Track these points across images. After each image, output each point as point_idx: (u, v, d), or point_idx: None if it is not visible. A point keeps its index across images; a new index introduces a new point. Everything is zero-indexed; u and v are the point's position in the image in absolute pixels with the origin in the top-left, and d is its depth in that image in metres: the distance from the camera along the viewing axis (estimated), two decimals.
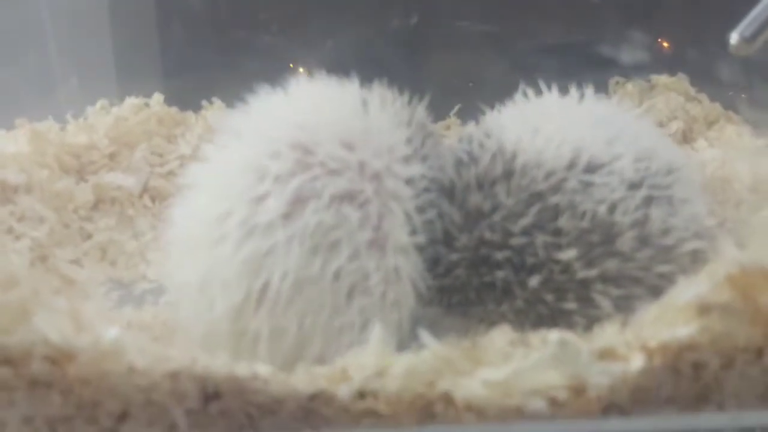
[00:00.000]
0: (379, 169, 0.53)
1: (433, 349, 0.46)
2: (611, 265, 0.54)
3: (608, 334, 0.47)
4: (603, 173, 0.56)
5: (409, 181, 0.54)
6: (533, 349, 0.47)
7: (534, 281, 0.54)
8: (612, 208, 0.54)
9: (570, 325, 0.53)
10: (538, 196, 0.55)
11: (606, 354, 0.46)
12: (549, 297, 0.54)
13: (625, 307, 0.52)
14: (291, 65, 1.05)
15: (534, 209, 0.54)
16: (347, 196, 0.51)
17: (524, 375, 0.44)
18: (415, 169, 0.55)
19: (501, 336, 0.51)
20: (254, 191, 0.50)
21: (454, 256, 0.55)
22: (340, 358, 0.45)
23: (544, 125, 0.60)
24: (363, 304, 0.51)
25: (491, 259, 0.54)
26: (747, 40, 0.61)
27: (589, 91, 0.71)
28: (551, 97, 0.67)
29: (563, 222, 0.54)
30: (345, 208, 0.50)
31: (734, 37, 0.62)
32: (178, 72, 0.98)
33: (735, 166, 0.71)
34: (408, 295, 0.53)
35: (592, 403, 0.44)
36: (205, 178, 0.54)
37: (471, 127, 0.71)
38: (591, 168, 0.56)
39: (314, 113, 0.55)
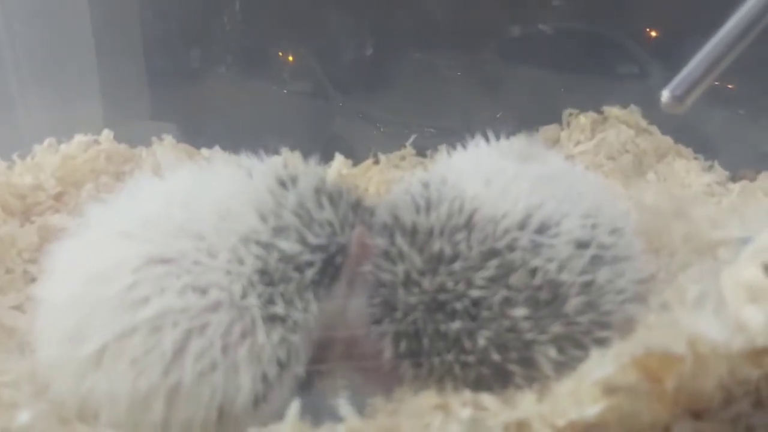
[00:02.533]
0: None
1: (348, 424, 0.46)
2: (556, 327, 0.54)
3: (526, 407, 0.48)
4: (552, 233, 0.56)
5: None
6: (452, 418, 0.47)
7: (483, 338, 0.54)
8: (560, 268, 0.55)
9: (510, 385, 0.53)
10: (496, 252, 0.55)
11: (519, 429, 0.47)
12: (495, 356, 0.54)
13: (564, 370, 0.52)
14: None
15: (493, 263, 0.54)
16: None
17: None
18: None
19: (425, 400, 0.52)
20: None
21: (413, 299, 0.55)
22: None
23: (497, 177, 0.60)
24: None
25: (448, 307, 0.54)
26: (678, 99, 0.62)
27: (538, 136, 0.71)
28: (502, 143, 0.68)
29: (516, 279, 0.54)
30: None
31: (665, 95, 0.62)
32: (129, 107, 0.98)
33: (671, 212, 0.72)
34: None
35: None
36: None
37: (421, 172, 0.71)
38: (542, 228, 0.56)
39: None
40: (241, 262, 0.52)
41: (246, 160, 0.61)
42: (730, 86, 1.08)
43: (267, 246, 0.53)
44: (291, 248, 0.54)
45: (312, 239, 0.55)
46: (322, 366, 0.55)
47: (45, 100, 0.95)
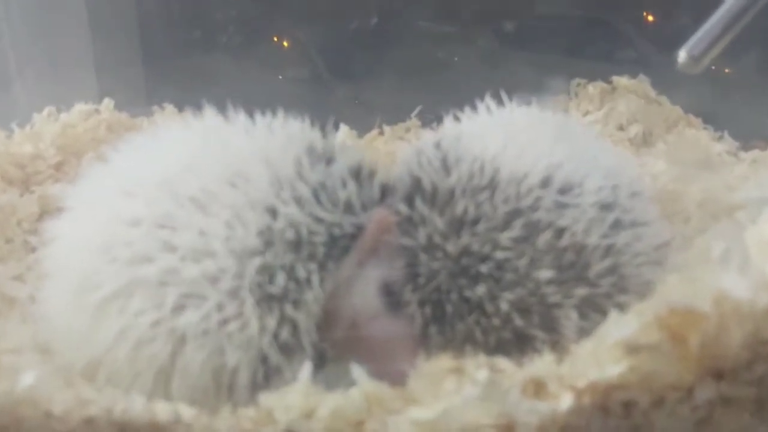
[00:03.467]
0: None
1: (362, 388, 0.45)
2: (580, 290, 0.52)
3: (544, 367, 0.47)
4: (575, 193, 0.54)
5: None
6: (467, 381, 0.46)
7: (506, 301, 0.52)
8: (586, 230, 0.53)
9: (532, 349, 0.52)
10: (521, 212, 0.53)
11: (537, 390, 0.45)
12: (518, 320, 0.52)
13: (584, 334, 0.51)
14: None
15: (518, 223, 0.52)
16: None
17: (453, 413, 0.44)
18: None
19: (440, 364, 0.51)
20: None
21: (436, 265, 0.52)
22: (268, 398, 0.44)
23: (514, 137, 0.58)
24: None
25: (472, 270, 0.52)
26: (695, 59, 0.60)
27: (546, 101, 0.70)
28: (513, 107, 0.66)
29: (542, 240, 0.52)
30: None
31: (682, 56, 0.61)
32: (130, 76, 0.96)
33: (686, 180, 0.71)
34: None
35: None
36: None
37: (430, 134, 0.69)
38: (565, 187, 0.54)
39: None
40: (245, 228, 0.50)
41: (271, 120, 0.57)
42: (739, 58, 1.07)
43: (275, 214, 0.51)
44: (302, 219, 0.51)
45: (325, 215, 0.52)
46: (334, 345, 0.53)
47: (43, 68, 0.93)
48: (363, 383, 0.45)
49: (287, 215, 0.51)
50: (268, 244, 0.49)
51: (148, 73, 1.04)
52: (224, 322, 0.47)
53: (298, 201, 0.51)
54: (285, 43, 1.14)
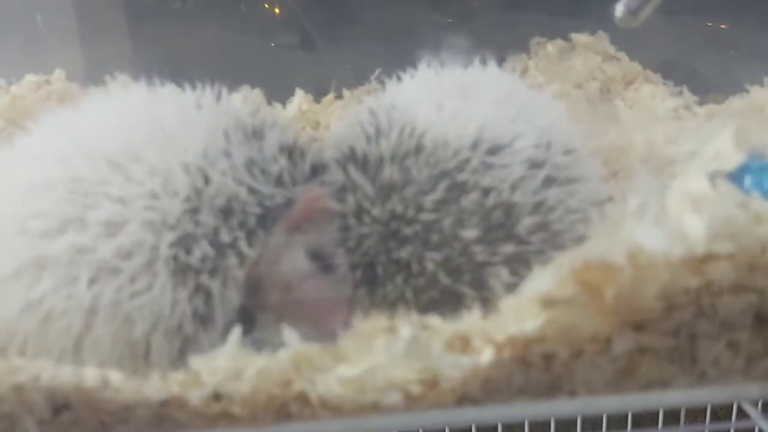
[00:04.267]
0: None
1: (290, 348, 0.46)
2: (508, 248, 0.54)
3: (470, 323, 0.48)
4: (505, 153, 0.56)
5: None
6: (396, 338, 0.47)
7: (431, 261, 0.53)
8: (513, 188, 0.54)
9: (464, 307, 0.53)
10: (447, 174, 0.54)
11: (464, 346, 0.46)
12: (445, 279, 0.54)
13: (515, 290, 0.52)
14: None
15: (443, 185, 0.54)
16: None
17: (379, 370, 0.45)
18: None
19: (372, 324, 0.52)
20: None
21: (365, 230, 0.54)
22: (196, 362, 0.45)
23: (448, 100, 0.59)
24: None
25: (400, 234, 0.54)
26: (632, 12, 0.60)
27: (492, 62, 0.70)
28: (453, 68, 0.66)
29: (467, 200, 0.54)
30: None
31: (619, 10, 0.61)
32: (81, 44, 0.94)
33: (633, 136, 0.71)
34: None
35: (446, 396, 0.45)
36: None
37: (369, 100, 0.70)
38: (494, 148, 0.56)
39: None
40: (170, 193, 0.49)
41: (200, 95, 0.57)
42: (699, 12, 1.06)
43: (207, 179, 0.50)
44: (234, 187, 0.51)
45: (258, 186, 0.52)
46: (263, 309, 0.54)
47: None
48: (293, 344, 0.46)
49: (219, 182, 0.51)
50: (194, 211, 0.49)
51: (118, 41, 1.03)
52: (135, 294, 0.47)
53: (232, 169, 0.52)
54: (244, 7, 1.13)
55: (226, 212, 0.50)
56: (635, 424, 0.82)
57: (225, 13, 1.12)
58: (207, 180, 0.51)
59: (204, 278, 0.48)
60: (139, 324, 0.46)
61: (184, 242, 0.48)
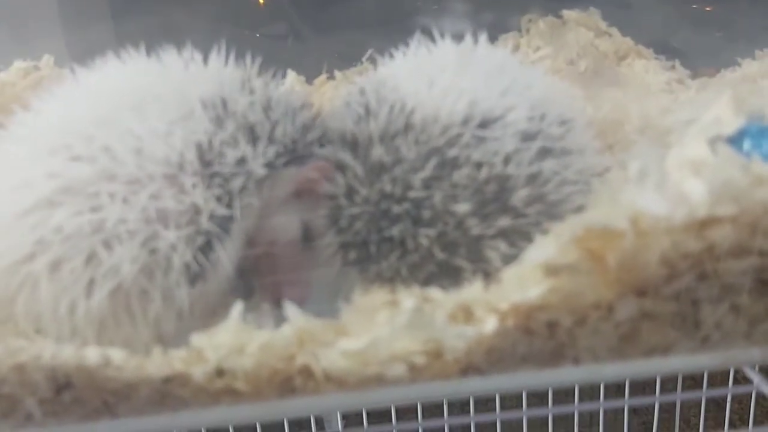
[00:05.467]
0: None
1: (293, 323, 0.45)
2: (504, 221, 0.54)
3: (472, 294, 0.48)
4: (497, 126, 0.56)
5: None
6: (398, 311, 0.47)
7: (425, 237, 0.53)
8: (506, 161, 0.54)
9: (460, 281, 0.53)
10: (436, 150, 0.54)
11: (466, 317, 0.46)
12: (440, 253, 0.54)
13: (515, 263, 0.52)
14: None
15: (432, 162, 0.54)
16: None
17: (383, 343, 0.45)
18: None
19: (374, 298, 0.52)
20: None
21: (355, 210, 0.55)
22: (199, 339, 0.45)
23: (439, 76, 0.59)
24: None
25: (391, 213, 0.54)
26: None
27: (483, 37, 0.69)
28: (445, 45, 0.66)
29: (459, 175, 0.54)
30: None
31: None
32: (71, 29, 0.93)
33: (627, 108, 0.71)
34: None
35: (450, 366, 0.45)
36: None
37: (360, 78, 0.70)
38: (485, 122, 0.56)
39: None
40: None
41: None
42: None
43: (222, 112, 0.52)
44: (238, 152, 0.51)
45: (262, 148, 0.53)
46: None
47: None
48: (295, 318, 0.46)
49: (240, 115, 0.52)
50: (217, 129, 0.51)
51: (107, 29, 1.02)
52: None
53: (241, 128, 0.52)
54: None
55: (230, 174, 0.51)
56: (632, 392, 0.82)
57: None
58: (225, 114, 0.52)
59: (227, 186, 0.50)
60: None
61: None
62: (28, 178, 0.50)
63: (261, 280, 0.50)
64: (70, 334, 0.48)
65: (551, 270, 0.43)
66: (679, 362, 0.47)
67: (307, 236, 0.56)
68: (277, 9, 1.14)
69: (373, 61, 1.03)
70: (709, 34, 1.09)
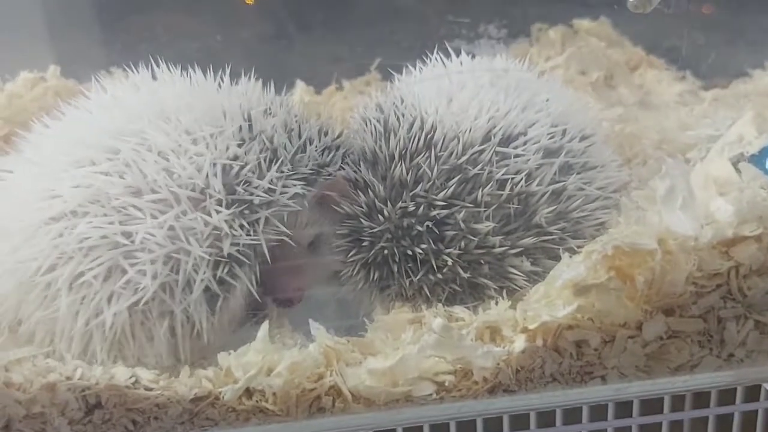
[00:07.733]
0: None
1: (319, 342, 0.46)
2: (528, 239, 0.53)
3: (498, 313, 0.48)
4: (519, 143, 0.55)
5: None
6: (425, 330, 0.47)
7: (449, 256, 0.53)
8: (529, 178, 0.54)
9: (487, 298, 0.53)
10: (459, 169, 0.54)
11: (493, 336, 0.46)
12: (463, 272, 0.53)
13: (538, 281, 0.51)
14: None
15: (454, 181, 0.53)
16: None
17: (410, 362, 0.45)
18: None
19: (399, 317, 0.52)
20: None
21: (377, 229, 0.54)
22: (226, 358, 0.45)
23: (458, 93, 0.58)
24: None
25: (413, 231, 0.53)
26: None
27: (500, 51, 0.69)
28: (463, 60, 0.65)
29: (482, 193, 0.53)
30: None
31: None
32: (75, 41, 0.93)
33: (644, 122, 0.71)
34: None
35: (478, 385, 0.45)
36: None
37: (380, 96, 0.69)
38: (507, 139, 0.55)
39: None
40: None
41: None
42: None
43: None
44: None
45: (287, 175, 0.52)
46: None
47: None
48: (321, 338, 0.46)
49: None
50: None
51: (98, 37, 1.01)
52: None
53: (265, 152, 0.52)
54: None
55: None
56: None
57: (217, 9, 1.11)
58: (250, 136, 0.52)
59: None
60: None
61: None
62: (52, 188, 0.50)
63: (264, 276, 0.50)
64: (84, 346, 0.47)
65: (581, 289, 0.43)
66: (705, 379, 0.47)
67: (316, 247, 0.56)
68: (266, 10, 1.13)
69: (381, 70, 1.03)
70: (717, 43, 1.09)
